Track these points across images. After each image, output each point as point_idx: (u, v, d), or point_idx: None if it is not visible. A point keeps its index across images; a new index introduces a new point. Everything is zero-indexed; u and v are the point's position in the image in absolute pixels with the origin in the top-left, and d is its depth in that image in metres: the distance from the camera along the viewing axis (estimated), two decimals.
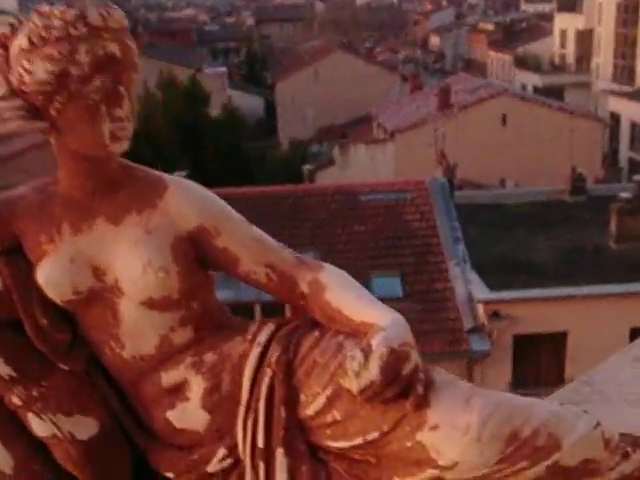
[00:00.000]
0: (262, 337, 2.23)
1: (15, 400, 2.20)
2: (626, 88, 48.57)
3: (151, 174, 2.28)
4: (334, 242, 20.89)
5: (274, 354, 2.18)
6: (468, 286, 19.40)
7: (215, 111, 39.46)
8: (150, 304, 2.19)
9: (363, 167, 32.41)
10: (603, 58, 53.69)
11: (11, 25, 2.09)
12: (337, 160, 33.77)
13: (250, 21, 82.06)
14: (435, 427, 2.03)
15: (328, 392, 2.11)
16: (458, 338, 18.77)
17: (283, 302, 2.31)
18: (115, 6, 2.09)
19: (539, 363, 19.72)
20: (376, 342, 1.99)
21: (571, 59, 58.14)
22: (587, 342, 17.69)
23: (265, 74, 60.70)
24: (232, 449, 2.20)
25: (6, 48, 2.09)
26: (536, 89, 52.15)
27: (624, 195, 22.29)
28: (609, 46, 53.02)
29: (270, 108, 53.06)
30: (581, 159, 30.60)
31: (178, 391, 2.24)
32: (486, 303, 18.84)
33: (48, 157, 2.29)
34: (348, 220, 21.77)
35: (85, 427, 2.24)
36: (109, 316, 2.21)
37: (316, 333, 2.21)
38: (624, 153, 46.02)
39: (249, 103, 51.66)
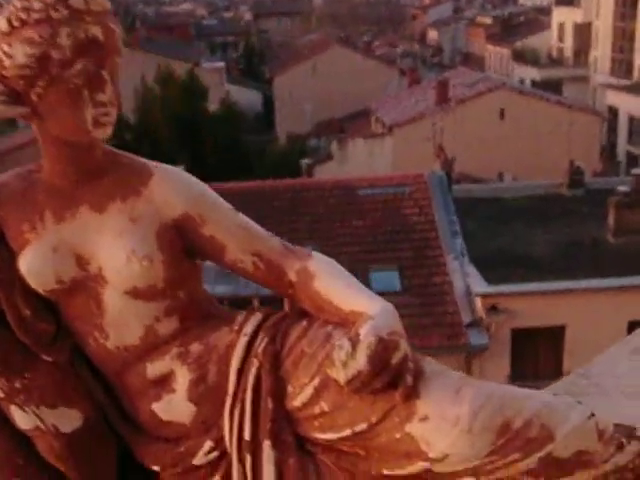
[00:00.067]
0: (249, 327, 2.18)
1: None
2: (624, 82, 48.55)
3: (136, 161, 2.23)
4: (332, 236, 20.89)
5: (261, 344, 2.14)
6: (466, 280, 19.41)
7: (213, 106, 39.46)
8: (135, 293, 2.14)
9: (361, 161, 32.41)
10: (601, 52, 53.63)
11: None
12: (335, 154, 33.77)
13: (248, 15, 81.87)
14: (425, 418, 1.99)
15: (316, 383, 2.07)
16: (456, 332, 18.79)
17: (272, 291, 2.26)
18: None
19: (537, 357, 19.74)
20: (364, 331, 1.95)
21: (569, 53, 58.07)
22: (585, 336, 17.68)
23: (263, 68, 60.64)
24: (219, 441, 2.16)
25: None
26: (534, 83, 52.10)
27: (622, 189, 22.31)
28: (607, 40, 52.97)
29: (268, 102, 53.01)
30: (579, 153, 30.60)
31: (164, 382, 2.19)
32: (484, 297, 18.85)
33: None
34: (346, 214, 21.78)
35: (69, 419, 2.20)
36: (93, 306, 2.17)
37: (304, 323, 2.17)
38: (622, 147, 46.02)
39: (247, 97, 51.60)
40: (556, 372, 17.76)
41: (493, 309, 18.79)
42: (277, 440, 2.10)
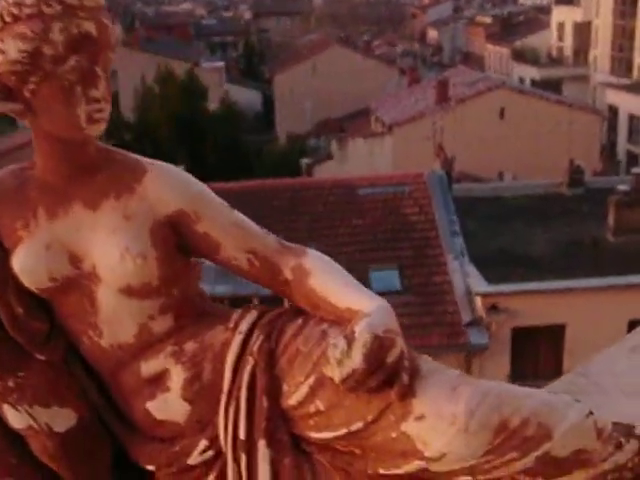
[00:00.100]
0: (244, 325, 2.16)
1: None
2: (624, 80, 48.54)
3: (129, 157, 2.20)
4: (332, 236, 20.87)
5: (256, 342, 2.12)
6: (466, 279, 19.39)
7: (213, 105, 39.52)
8: (129, 291, 2.12)
9: (361, 161, 32.40)
10: (601, 50, 53.62)
11: None
12: (335, 154, 33.76)
13: (248, 15, 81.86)
14: (421, 417, 1.96)
15: (311, 381, 2.04)
16: (456, 331, 18.77)
17: (268, 289, 2.24)
18: None
19: (537, 356, 19.72)
20: (360, 329, 1.93)
21: (569, 52, 58.07)
22: (585, 335, 17.66)
23: (263, 68, 60.70)
24: (214, 440, 2.14)
25: None
26: (534, 82, 52.08)
27: (622, 188, 22.30)
28: (607, 38, 52.96)
29: (268, 102, 53.03)
30: (579, 152, 30.57)
31: (158, 381, 2.17)
32: (484, 296, 18.83)
33: None
34: (346, 214, 21.76)
35: (62, 419, 2.17)
36: (87, 304, 2.14)
37: (299, 321, 2.15)
38: (622, 146, 46.00)
39: (247, 97, 51.62)
40: (556, 371, 17.72)
41: (493, 308, 18.78)
42: (272, 439, 2.08)
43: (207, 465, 2.16)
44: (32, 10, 1.94)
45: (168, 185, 2.15)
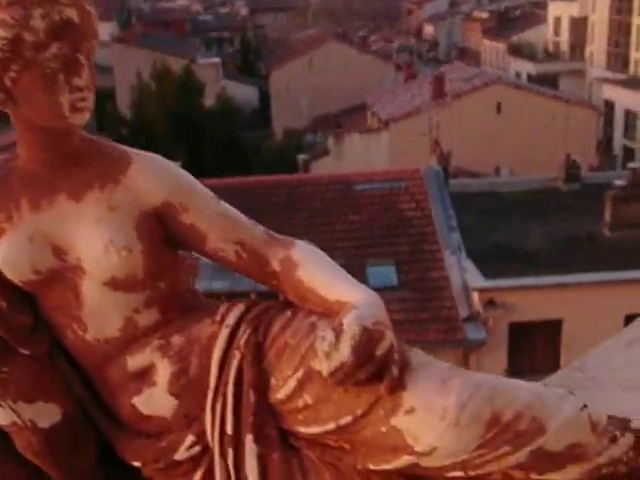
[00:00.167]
0: (231, 318, 2.12)
1: None
2: (620, 76, 48.55)
3: (115, 148, 2.16)
4: (329, 231, 20.85)
5: (243, 336, 2.08)
6: (463, 274, 19.37)
7: (209, 101, 39.49)
8: (114, 284, 2.08)
9: (358, 156, 32.39)
10: (597, 46, 53.61)
11: None
12: (332, 149, 33.76)
13: (244, 11, 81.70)
14: (411, 411, 1.91)
15: (299, 375, 2.00)
16: (453, 327, 18.75)
17: (255, 281, 2.19)
18: None
19: (534, 351, 19.72)
20: (348, 321, 1.88)
21: (565, 47, 58.03)
22: (582, 330, 17.65)
23: (259, 64, 60.61)
24: (201, 436, 2.10)
25: None
26: (530, 77, 52.04)
27: (618, 183, 22.29)
28: (603, 34, 52.96)
29: (264, 98, 52.93)
30: (575, 147, 30.58)
31: (144, 375, 2.13)
32: (481, 291, 18.81)
33: None
34: (343, 209, 21.75)
35: (47, 414, 2.13)
36: (71, 297, 2.10)
37: (288, 313, 2.10)
38: (618, 141, 46.03)
39: (243, 93, 51.52)
40: (553, 366, 17.68)
41: (490, 303, 18.77)
42: (260, 434, 2.04)
43: (194, 460, 2.12)
44: None
45: (153, 176, 2.10)
